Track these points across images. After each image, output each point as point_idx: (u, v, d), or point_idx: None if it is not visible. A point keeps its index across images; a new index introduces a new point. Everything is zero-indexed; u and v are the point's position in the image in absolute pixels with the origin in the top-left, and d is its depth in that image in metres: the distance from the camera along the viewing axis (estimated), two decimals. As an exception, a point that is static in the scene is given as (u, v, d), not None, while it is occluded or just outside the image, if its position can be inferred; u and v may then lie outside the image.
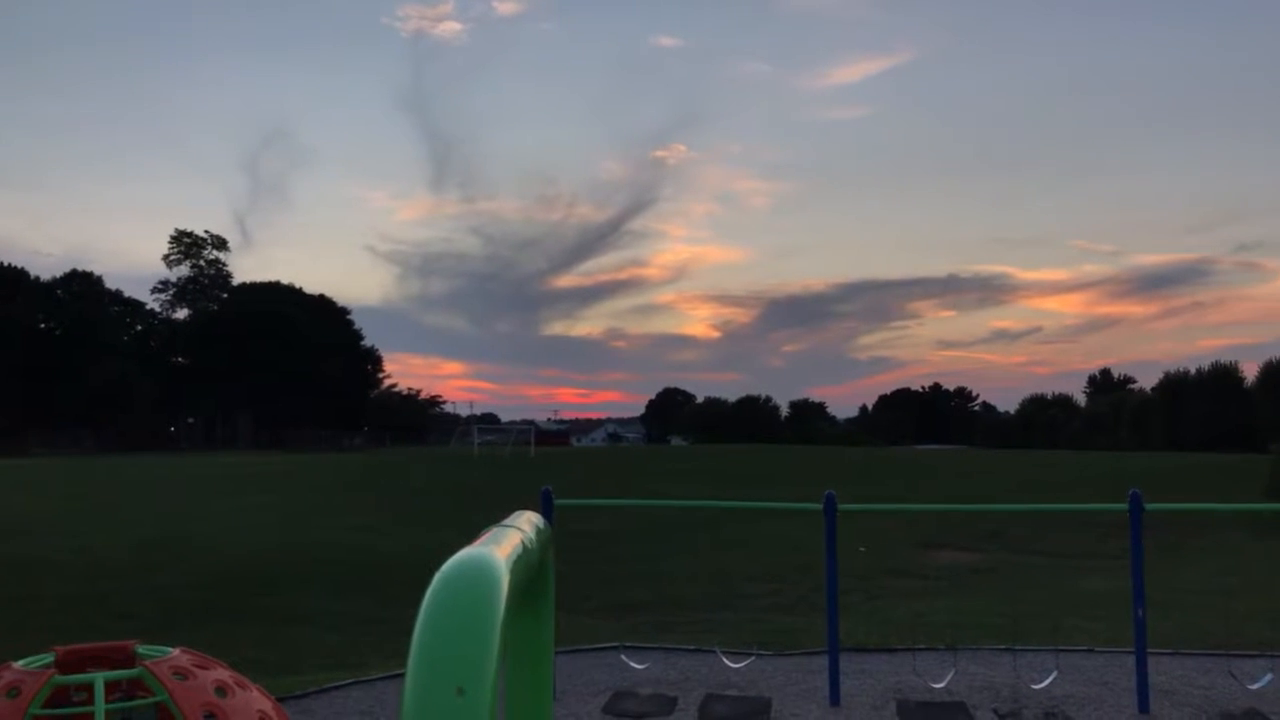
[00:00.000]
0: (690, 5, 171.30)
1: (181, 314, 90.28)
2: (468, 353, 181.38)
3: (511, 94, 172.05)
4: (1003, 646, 8.65)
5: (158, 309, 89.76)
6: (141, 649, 4.14)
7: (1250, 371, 72.29)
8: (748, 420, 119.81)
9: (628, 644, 8.99)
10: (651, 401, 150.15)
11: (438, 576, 1.02)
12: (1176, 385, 75.92)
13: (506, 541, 1.28)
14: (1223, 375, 74.01)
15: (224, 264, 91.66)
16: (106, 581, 14.33)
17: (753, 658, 8.43)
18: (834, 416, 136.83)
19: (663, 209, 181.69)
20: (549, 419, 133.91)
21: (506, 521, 1.50)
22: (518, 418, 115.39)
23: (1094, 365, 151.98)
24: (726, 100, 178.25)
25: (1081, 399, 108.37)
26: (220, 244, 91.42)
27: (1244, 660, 8.10)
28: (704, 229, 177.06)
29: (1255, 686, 7.42)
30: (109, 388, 73.80)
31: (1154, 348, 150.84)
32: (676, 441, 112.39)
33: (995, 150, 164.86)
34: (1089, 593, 13.33)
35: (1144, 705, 7.06)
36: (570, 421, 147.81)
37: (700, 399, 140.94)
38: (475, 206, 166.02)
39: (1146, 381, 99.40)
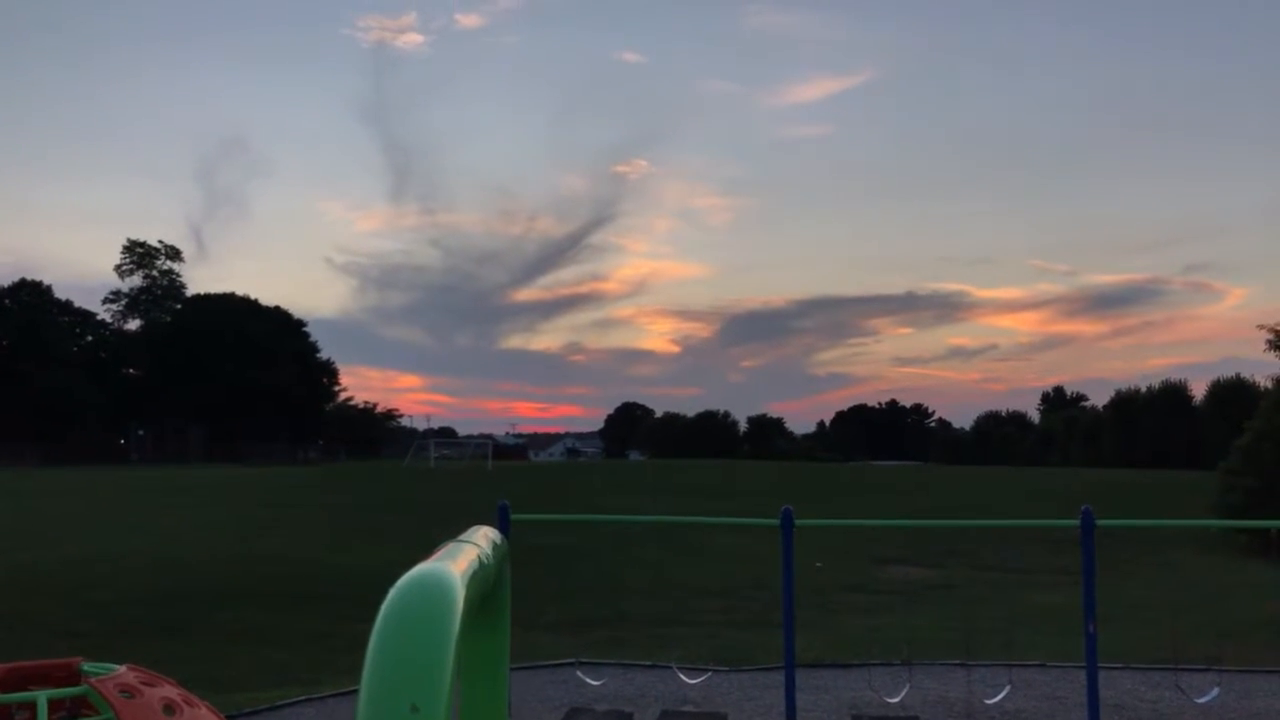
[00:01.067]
0: (654, 22, 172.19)
1: (134, 325, 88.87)
2: (425, 366, 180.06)
3: (473, 106, 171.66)
4: (957, 661, 8.72)
5: (109, 319, 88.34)
6: (86, 666, 4.05)
7: (1199, 390, 73.77)
8: (706, 435, 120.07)
9: (584, 660, 8.95)
10: (610, 416, 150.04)
11: (393, 592, 1.01)
12: (1127, 403, 77.26)
13: (462, 557, 1.27)
14: (1172, 394, 75.44)
15: (177, 274, 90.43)
16: (48, 598, 14.02)
17: (709, 673, 8.43)
18: (792, 432, 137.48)
19: (623, 224, 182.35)
20: (507, 433, 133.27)
21: (463, 536, 1.49)
22: (475, 432, 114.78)
23: (1048, 383, 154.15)
24: (688, 116, 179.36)
25: (1035, 416, 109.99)
26: (174, 254, 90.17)
27: (1191, 674, 8.24)
28: (664, 244, 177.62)
29: (1202, 700, 7.54)
30: (56, 399, 72.38)
31: (1106, 366, 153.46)
32: (635, 456, 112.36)
33: (953, 169, 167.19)
34: (1042, 608, 13.49)
35: (1094, 719, 7.15)
36: (528, 436, 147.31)
37: (659, 414, 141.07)
38: (435, 219, 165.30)
39: (1098, 399, 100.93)
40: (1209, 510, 23.31)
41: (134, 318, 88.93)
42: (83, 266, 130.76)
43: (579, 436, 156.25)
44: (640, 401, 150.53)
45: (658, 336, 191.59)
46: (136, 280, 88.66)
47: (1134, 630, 10.80)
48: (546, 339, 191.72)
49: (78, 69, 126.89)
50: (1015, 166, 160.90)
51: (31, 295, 79.89)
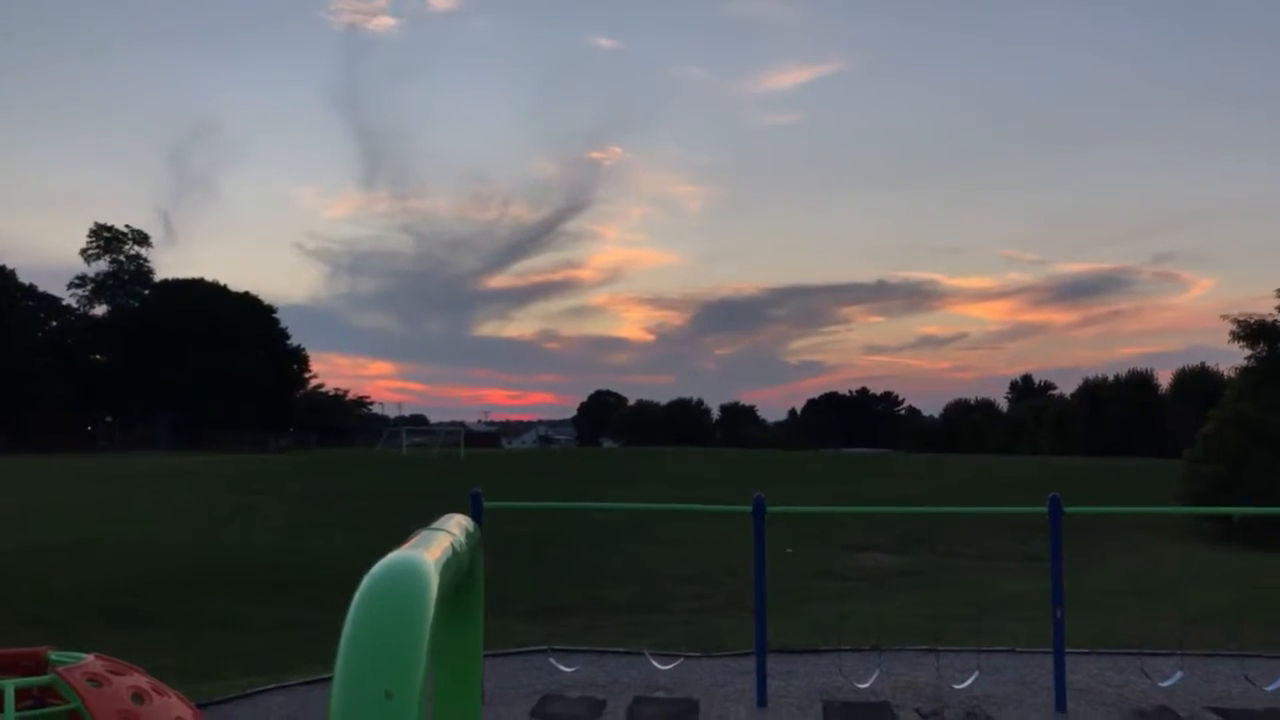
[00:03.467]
0: (628, 7, 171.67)
1: (100, 310, 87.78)
2: (397, 353, 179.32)
3: (446, 91, 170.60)
4: (926, 648, 8.80)
5: (75, 305, 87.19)
6: (54, 655, 4.02)
7: (1165, 379, 74.74)
8: (679, 423, 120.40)
9: (556, 647, 8.96)
10: (583, 404, 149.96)
11: (366, 579, 1.00)
12: (1095, 392, 78.16)
13: (436, 544, 1.27)
14: (1139, 383, 76.39)
15: (145, 259, 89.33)
16: (15, 585, 13.87)
17: (681, 660, 8.47)
18: (764, 420, 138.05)
19: (597, 210, 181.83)
20: (479, 421, 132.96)
21: (436, 524, 1.49)
22: (447, 419, 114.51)
23: (1016, 371, 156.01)
24: (662, 103, 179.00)
25: (1004, 404, 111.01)
26: (142, 239, 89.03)
27: (1155, 659, 8.36)
28: (638, 231, 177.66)
29: (1166, 684, 7.66)
30: (20, 386, 71.42)
31: (1074, 355, 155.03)
32: (608, 444, 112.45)
33: (925, 159, 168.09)
34: (1010, 594, 13.65)
35: (1061, 704, 7.24)
36: (501, 424, 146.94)
37: (632, 402, 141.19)
38: (406, 204, 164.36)
39: (1066, 388, 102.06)
40: (1174, 497, 23.66)
41: (100, 303, 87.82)
42: (49, 251, 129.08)
43: (552, 424, 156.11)
44: (613, 389, 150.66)
45: (631, 324, 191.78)
46: (103, 265, 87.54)
47: (1101, 616, 10.95)
48: (520, 326, 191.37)
49: (45, 51, 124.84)
50: (986, 156, 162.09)
51: (-5, 280, 78.71)
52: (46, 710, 3.78)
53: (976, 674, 7.80)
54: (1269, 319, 25.95)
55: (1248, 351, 26.33)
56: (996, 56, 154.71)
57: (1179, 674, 7.77)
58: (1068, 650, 7.48)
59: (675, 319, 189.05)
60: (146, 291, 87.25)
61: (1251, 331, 26.01)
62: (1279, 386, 24.36)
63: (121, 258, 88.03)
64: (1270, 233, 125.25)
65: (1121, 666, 8.35)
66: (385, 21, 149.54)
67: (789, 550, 17.58)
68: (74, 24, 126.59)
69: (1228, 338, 26.63)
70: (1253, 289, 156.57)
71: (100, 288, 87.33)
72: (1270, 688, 7.55)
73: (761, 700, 7.42)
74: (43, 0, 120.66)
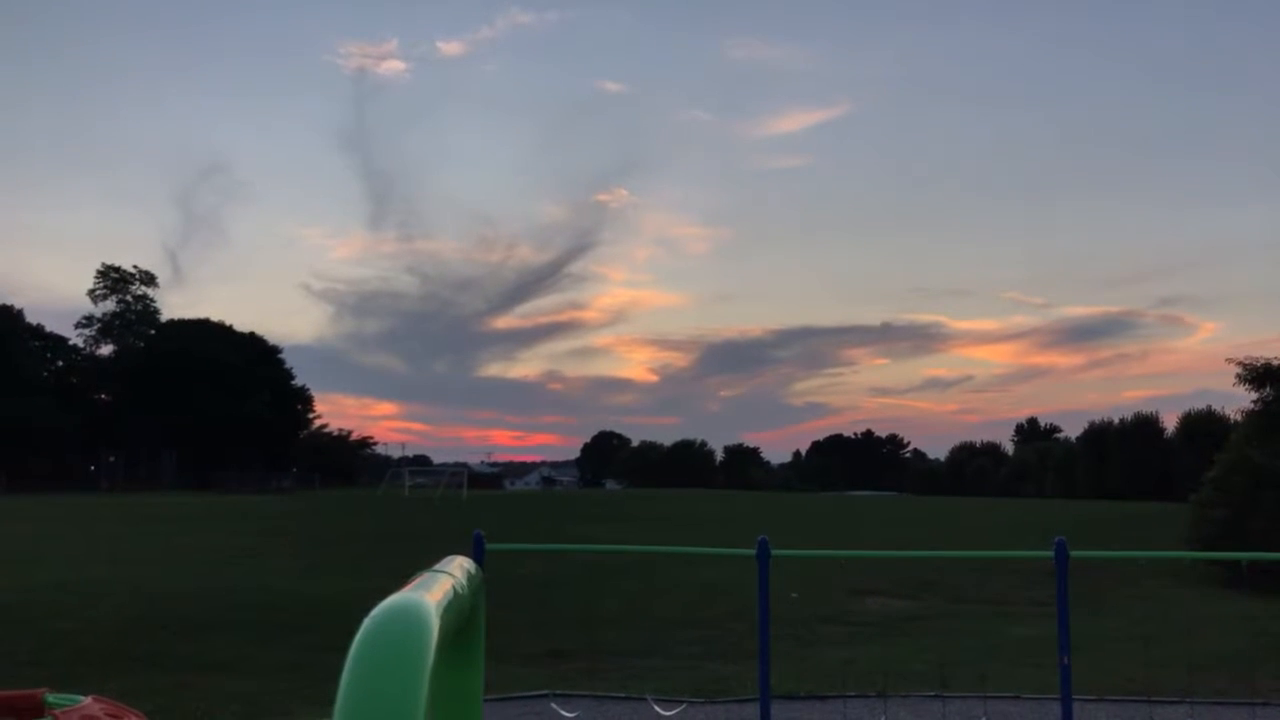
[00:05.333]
0: (635, 51, 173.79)
1: (106, 350, 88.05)
2: (401, 393, 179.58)
3: (453, 134, 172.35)
4: (932, 693, 8.71)
5: (81, 345, 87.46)
6: (51, 697, 3.98)
7: (1170, 422, 74.44)
8: (683, 465, 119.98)
9: (558, 691, 8.88)
10: (587, 445, 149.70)
11: (366, 622, 1.00)
12: (1100, 435, 77.85)
13: (437, 587, 1.27)
14: (1144, 425, 76.09)
15: (151, 300, 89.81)
16: (13, 627, 13.78)
17: (684, 705, 8.38)
18: (768, 462, 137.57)
19: (603, 252, 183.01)
20: (482, 462, 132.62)
21: (437, 566, 1.49)
22: (450, 460, 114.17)
23: (1022, 414, 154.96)
24: (669, 146, 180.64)
25: (1009, 447, 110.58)
26: (148, 279, 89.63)
27: (1164, 707, 8.26)
28: (644, 273, 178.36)
29: (1175, 732, 7.56)
30: (25, 425, 71.45)
31: (1080, 398, 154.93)
32: (611, 486, 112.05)
33: (930, 202, 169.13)
34: (1016, 639, 13.51)
35: (1069, 752, 7.14)
36: (504, 464, 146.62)
37: (636, 443, 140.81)
38: (413, 246, 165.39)
39: (1072, 431, 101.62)
40: (1181, 542, 23.47)
41: (106, 343, 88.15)
42: (56, 291, 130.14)
43: (555, 465, 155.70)
44: (617, 430, 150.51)
45: (636, 365, 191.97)
46: (110, 305, 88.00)
47: (1108, 662, 10.83)
48: (524, 367, 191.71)
49: (56, 93, 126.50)
50: (991, 200, 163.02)
51: (2, 319, 79.04)
52: (43, 753, 3.74)
53: (983, 721, 7.71)
54: (1275, 362, 25.88)
55: (1254, 395, 26.25)
56: (1000, 100, 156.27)
57: (1188, 722, 7.67)
58: (1075, 697, 7.39)
59: (680, 360, 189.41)
60: (152, 331, 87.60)
61: (1258, 375, 25.93)
62: (1285, 430, 24.24)
63: (128, 298, 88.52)
64: (1277, 276, 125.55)
65: (1130, 714, 8.25)
66: (394, 65, 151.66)
67: (794, 596, 17.44)
68: (84, 65, 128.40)
69: (1234, 381, 26.56)
70: (1259, 332, 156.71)
71: (106, 328, 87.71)
72: (1281, 736, 7.45)
73: (765, 747, 7.33)
74: (53, 41, 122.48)
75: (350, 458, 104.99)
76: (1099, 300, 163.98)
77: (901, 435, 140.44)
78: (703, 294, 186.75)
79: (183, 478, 75.89)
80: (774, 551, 7.68)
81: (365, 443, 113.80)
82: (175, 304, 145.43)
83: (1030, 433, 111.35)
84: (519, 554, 16.46)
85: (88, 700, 4.00)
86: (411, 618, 1.02)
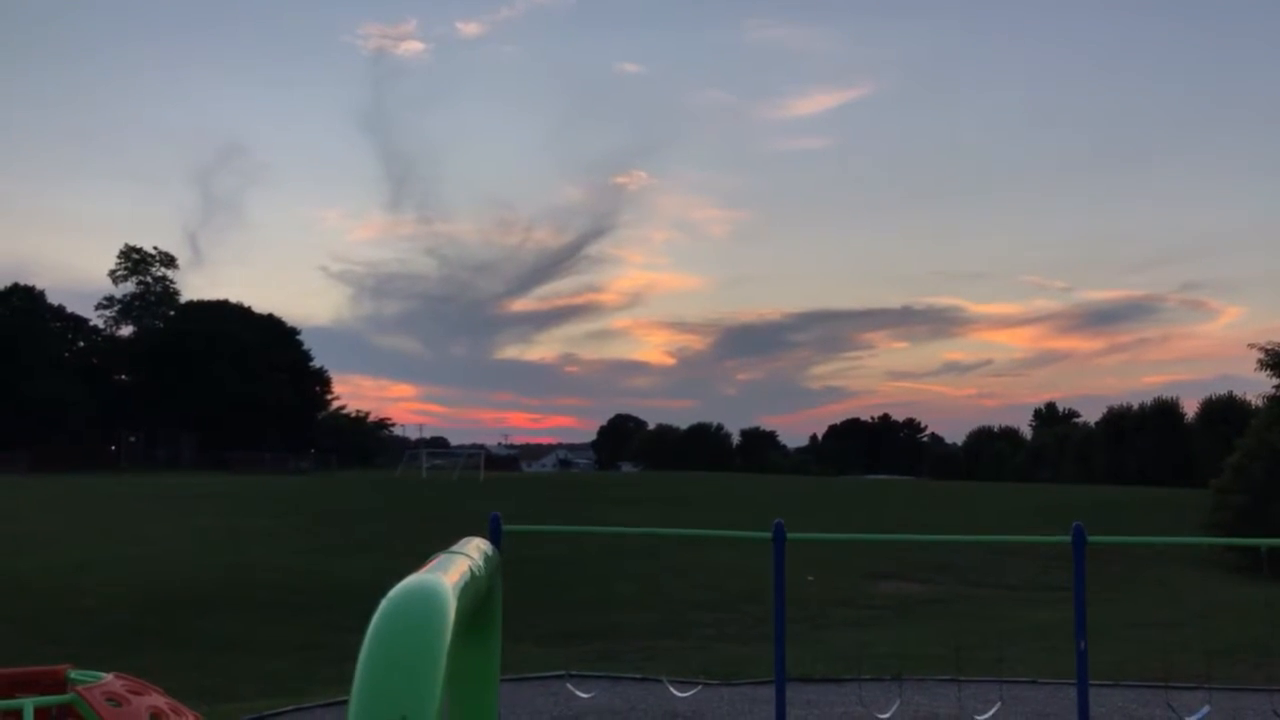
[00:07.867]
0: (653, 33, 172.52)
1: (126, 331, 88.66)
2: (419, 375, 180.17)
3: (472, 115, 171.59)
4: (947, 677, 8.71)
5: (102, 325, 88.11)
6: (74, 674, 4.03)
7: (1191, 408, 73.89)
8: (699, 448, 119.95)
9: (573, 672, 8.92)
10: (603, 428, 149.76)
11: (384, 602, 1.00)
12: (1119, 420, 77.34)
13: (454, 568, 1.27)
14: (1164, 411, 75.53)
15: (171, 281, 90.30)
16: (37, 604, 13.95)
17: (699, 687, 8.41)
18: (785, 445, 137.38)
19: (621, 235, 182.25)
20: (499, 444, 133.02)
21: (455, 548, 1.49)
22: (468, 442, 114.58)
23: (1041, 398, 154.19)
24: (687, 128, 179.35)
25: (1028, 432, 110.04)
26: (169, 261, 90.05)
27: (1181, 692, 8.23)
28: (662, 256, 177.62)
29: (1192, 719, 7.54)
30: (46, 405, 72.10)
31: (1099, 383, 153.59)
32: (627, 468, 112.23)
33: (951, 184, 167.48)
34: (1033, 624, 13.49)
35: (1084, 736, 7.13)
36: (521, 447, 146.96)
37: (652, 426, 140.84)
38: (431, 228, 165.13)
39: (1091, 416, 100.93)
40: (1200, 528, 23.37)
41: (127, 324, 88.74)
42: (77, 272, 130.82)
43: (571, 448, 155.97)
44: (634, 413, 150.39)
45: (653, 348, 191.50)
46: (130, 286, 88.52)
47: (1125, 647, 10.80)
48: (542, 349, 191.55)
49: (75, 74, 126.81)
50: (1012, 182, 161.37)
51: (24, 300, 79.63)
52: (66, 729, 3.79)
53: (998, 705, 7.70)
54: (1296, 348, 25.66)
55: (1275, 380, 26.05)
56: (1021, 83, 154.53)
57: (1206, 708, 7.64)
58: (1091, 682, 7.37)
59: (697, 343, 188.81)
60: (172, 313, 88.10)
61: (1278, 360, 25.74)
62: (1307, 416, 24.06)
63: (148, 279, 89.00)
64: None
65: (1146, 699, 8.23)
66: (413, 46, 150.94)
67: (810, 579, 17.45)
68: (103, 49, 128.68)
69: (1255, 366, 26.37)
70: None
71: (127, 309, 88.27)
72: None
73: (780, 729, 7.35)
74: (73, 25, 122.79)
75: (368, 439, 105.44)
76: (1120, 284, 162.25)
77: (919, 419, 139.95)
78: (720, 277, 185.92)
79: (201, 458, 76.46)
80: (790, 535, 7.67)
81: (383, 424, 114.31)
82: (195, 285, 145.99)
83: (1049, 417, 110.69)
84: (536, 536, 16.51)
85: (109, 677, 4.05)
86: (429, 599, 1.02)
